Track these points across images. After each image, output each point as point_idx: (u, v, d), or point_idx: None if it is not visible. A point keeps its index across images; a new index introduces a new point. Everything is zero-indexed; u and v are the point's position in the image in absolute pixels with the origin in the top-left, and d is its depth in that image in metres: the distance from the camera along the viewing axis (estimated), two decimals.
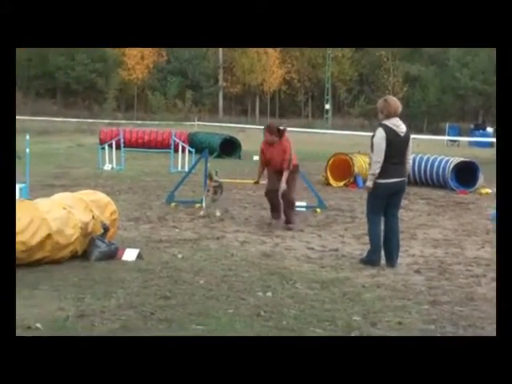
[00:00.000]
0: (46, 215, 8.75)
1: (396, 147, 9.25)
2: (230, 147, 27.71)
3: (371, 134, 9.62)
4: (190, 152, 21.91)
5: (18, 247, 8.34)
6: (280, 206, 12.44)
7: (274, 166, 12.46)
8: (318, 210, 14.14)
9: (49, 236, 8.63)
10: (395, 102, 9.34)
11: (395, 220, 9.62)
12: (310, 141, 38.68)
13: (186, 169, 19.89)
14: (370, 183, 9.35)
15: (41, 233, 8.59)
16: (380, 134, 9.19)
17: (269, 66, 70.54)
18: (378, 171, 9.21)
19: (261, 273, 8.78)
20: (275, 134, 12.32)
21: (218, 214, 12.88)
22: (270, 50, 70.30)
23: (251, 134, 41.86)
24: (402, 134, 9.30)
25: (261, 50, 69.95)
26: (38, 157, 22.37)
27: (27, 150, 14.91)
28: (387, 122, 9.24)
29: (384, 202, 9.41)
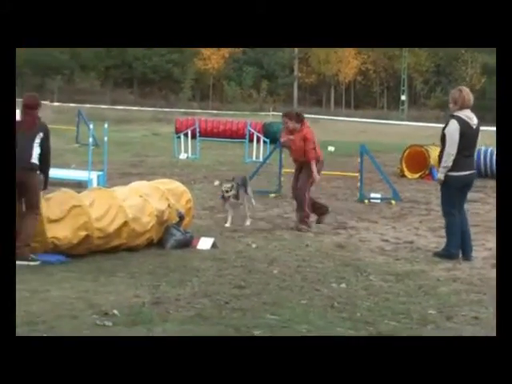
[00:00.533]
0: (122, 203, 8.87)
1: (468, 139, 9.11)
2: None
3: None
4: (264, 142, 21.93)
5: (96, 234, 8.49)
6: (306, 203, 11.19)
7: (295, 155, 11.42)
8: (393, 201, 13.99)
9: (125, 223, 8.75)
10: (469, 94, 9.20)
11: (464, 212, 9.50)
12: (384, 132, 38.34)
13: (261, 159, 19.91)
14: (441, 175, 9.26)
15: (118, 220, 8.72)
16: (454, 125, 9.05)
17: (344, 56, 70.07)
18: (450, 164, 9.09)
19: (335, 264, 8.74)
20: (295, 119, 11.34)
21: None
22: None
23: (326, 125, 41.68)
24: (474, 127, 9.17)
25: None
26: (115, 145, 22.67)
27: (105, 139, 15.13)
28: (460, 114, 9.09)
29: (458, 195, 9.29)
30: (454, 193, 9.29)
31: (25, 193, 8.28)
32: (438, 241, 10.23)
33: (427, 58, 74.18)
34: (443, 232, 9.68)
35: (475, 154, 9.41)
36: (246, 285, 7.59)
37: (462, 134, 9.03)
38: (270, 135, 25.48)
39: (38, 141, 8.39)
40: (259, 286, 7.56)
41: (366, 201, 13.90)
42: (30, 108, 8.55)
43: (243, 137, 24.11)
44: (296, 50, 71.97)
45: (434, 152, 18.74)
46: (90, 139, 15.10)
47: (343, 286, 7.75)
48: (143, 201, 9.16)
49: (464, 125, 9.05)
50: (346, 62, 70.30)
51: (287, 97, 72.37)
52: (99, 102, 56.43)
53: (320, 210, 11.60)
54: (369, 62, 73.42)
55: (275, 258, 8.89)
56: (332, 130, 39.04)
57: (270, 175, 16.45)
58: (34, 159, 8.35)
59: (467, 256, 9.27)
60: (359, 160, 14.22)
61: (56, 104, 47.16)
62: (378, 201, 14.03)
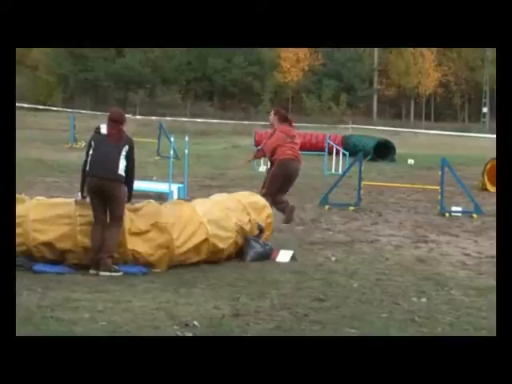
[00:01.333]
0: (203, 219, 8.90)
1: None
2: (384, 150, 27.43)
3: None
4: (344, 155, 21.86)
5: (176, 251, 8.56)
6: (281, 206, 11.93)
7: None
8: (475, 215, 13.75)
9: (206, 240, 8.79)
10: None
11: None
12: (466, 145, 37.77)
13: (340, 171, 19.85)
14: None
15: (198, 237, 8.76)
16: None
17: (424, 68, 69.36)
18: None
19: (415, 278, 8.63)
20: (278, 118, 11.86)
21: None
22: (427, 52, 69.07)
23: (406, 138, 41.29)
24: None
25: (417, 52, 68.87)
26: (195, 158, 22.91)
27: (186, 151, 15.29)
28: None
29: None
30: None
31: (110, 204, 8.44)
32: None
33: None
34: None
35: None
36: (326, 298, 7.55)
37: None
38: (350, 148, 25.39)
39: (124, 153, 8.53)
40: (338, 299, 7.51)
41: (447, 214, 13.70)
42: (117, 122, 8.69)
43: (322, 149, 24.06)
44: (376, 62, 71.57)
45: None
46: (171, 152, 15.28)
47: (424, 300, 7.65)
48: (225, 216, 9.18)
49: None
50: (427, 74, 69.53)
51: (367, 109, 72.00)
52: (180, 114, 57.15)
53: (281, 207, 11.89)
54: (450, 73, 72.45)
55: (355, 271, 8.84)
56: (412, 142, 38.67)
57: (349, 188, 16.38)
58: (121, 171, 8.48)
59: None
60: (440, 173, 14.03)
61: (138, 117, 47.93)
62: (460, 214, 13.81)
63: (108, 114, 8.93)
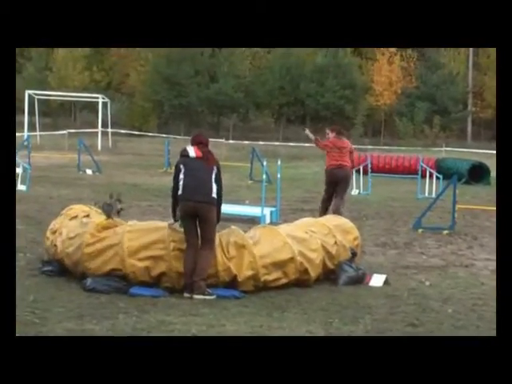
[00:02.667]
0: (287, 239, 8.93)
1: None
2: (478, 173, 26.92)
3: None
4: (437, 178, 21.54)
5: (262, 271, 8.59)
6: None
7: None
8: None
9: (291, 259, 8.80)
10: None
11: None
12: None
13: (434, 195, 19.56)
14: None
15: (283, 256, 8.79)
16: None
17: None
18: None
19: None
20: (335, 133, 14.77)
21: None
22: None
23: None
24: None
25: None
26: (287, 181, 22.93)
27: (278, 175, 15.33)
28: None
29: None
30: None
31: (204, 227, 8.52)
32: None
33: None
34: None
35: None
36: (419, 323, 7.45)
37: None
38: (444, 171, 25.00)
39: (213, 176, 8.61)
40: (433, 325, 7.40)
41: None
42: (204, 144, 8.81)
43: (415, 173, 23.77)
44: (470, 83, 70.50)
45: None
46: (264, 176, 15.36)
47: None
48: (309, 236, 9.19)
49: None
50: None
51: (461, 132, 70.85)
52: (272, 139, 57.41)
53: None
54: None
55: (449, 297, 8.69)
56: None
57: (443, 211, 16.12)
58: (214, 194, 8.57)
59: None
60: None
61: (231, 141, 48.37)
62: None
63: (192, 137, 9.02)
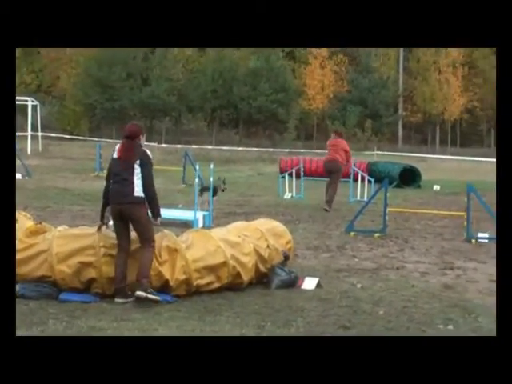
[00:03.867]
0: (220, 243, 8.94)
1: None
2: (409, 177, 27.31)
3: None
4: (369, 181, 21.79)
5: (194, 275, 8.57)
6: None
7: None
8: None
9: (224, 263, 8.81)
10: None
11: None
12: (492, 171, 37.45)
13: (366, 198, 19.78)
14: None
15: (216, 260, 8.78)
16: None
17: (450, 94, 69.18)
18: None
19: (441, 305, 8.57)
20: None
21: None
22: (452, 79, 68.93)
23: (431, 164, 41.14)
24: None
25: (442, 78, 68.77)
26: None
27: (211, 179, 15.31)
28: None
29: None
30: None
31: (135, 227, 8.39)
32: None
33: None
34: None
35: None
36: (351, 325, 7.51)
37: None
38: (375, 174, 25.31)
39: (137, 171, 8.32)
40: (364, 327, 7.47)
41: (474, 240, 13.61)
42: (129, 138, 8.54)
43: (348, 176, 24.00)
44: (400, 87, 71.53)
45: None
46: (196, 179, 15.31)
47: (450, 327, 7.58)
48: (242, 240, 9.21)
49: None
50: (452, 100, 69.33)
51: (392, 136, 71.85)
52: (205, 142, 57.36)
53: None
54: (475, 99, 72.22)
55: (380, 299, 8.78)
56: (438, 168, 38.50)
57: (374, 215, 16.31)
58: (138, 192, 8.31)
59: None
60: (466, 199, 13.95)
61: (164, 145, 48.15)
62: (486, 240, 13.70)
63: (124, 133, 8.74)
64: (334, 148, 18.70)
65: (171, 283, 8.46)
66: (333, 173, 18.53)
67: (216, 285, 8.80)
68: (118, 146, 8.57)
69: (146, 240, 8.36)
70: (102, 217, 8.66)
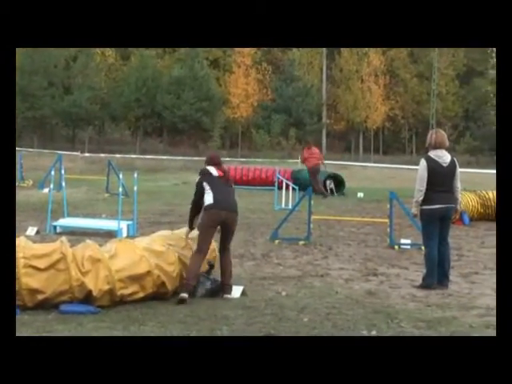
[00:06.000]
0: (144, 252, 8.91)
1: (438, 176, 10.02)
2: (333, 184, 27.61)
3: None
4: (293, 189, 21.94)
5: (118, 285, 8.52)
6: None
7: None
8: (423, 247, 13.88)
9: (149, 273, 8.77)
10: (441, 136, 10.15)
11: (447, 243, 10.43)
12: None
13: (290, 206, 19.91)
14: (413, 209, 10.43)
15: (141, 270, 8.74)
16: (422, 164, 10.18)
17: (372, 102, 70.17)
18: (420, 198, 10.13)
19: (365, 311, 8.68)
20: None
21: None
22: (374, 87, 69.94)
23: (355, 171, 41.67)
24: (445, 165, 10.05)
25: (365, 86, 69.72)
26: (145, 194, 22.80)
27: (135, 188, 15.23)
28: (431, 154, 10.12)
29: (434, 227, 10.23)
30: (428, 225, 10.21)
31: (229, 235, 9.52)
32: (470, 286, 10.15)
33: (455, 102, 74.06)
34: (475, 277, 9.59)
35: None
36: (276, 333, 7.54)
37: (431, 172, 9.97)
38: (299, 182, 25.50)
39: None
40: (289, 334, 7.51)
41: (397, 247, 13.83)
42: (220, 164, 9.75)
43: (272, 184, 24.16)
44: (324, 96, 72.28)
45: (465, 197, 18.64)
46: (120, 189, 15.21)
47: (374, 333, 7.68)
48: (166, 249, 9.19)
49: (433, 163, 9.99)
50: (374, 109, 70.36)
51: (316, 144, 72.48)
52: (129, 151, 56.97)
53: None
54: (397, 107, 73.43)
55: (305, 306, 8.85)
56: (361, 176, 39.03)
57: (299, 222, 16.44)
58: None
59: (443, 284, 10.10)
60: (389, 206, 14.18)
61: (87, 154, 47.64)
62: (409, 247, 13.95)
63: (209, 157, 9.92)
64: (315, 156, 25.74)
65: (94, 293, 8.37)
66: (318, 173, 25.58)
67: (140, 294, 8.75)
68: (211, 168, 9.64)
69: (229, 249, 9.57)
70: (191, 223, 9.57)
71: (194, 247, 9.34)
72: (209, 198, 9.31)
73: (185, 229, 9.82)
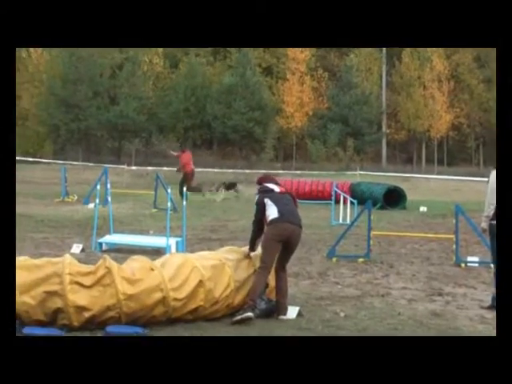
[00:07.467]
0: (196, 263, 8.95)
1: None
2: (394, 198, 27.45)
3: None
4: (352, 203, 21.85)
5: (171, 295, 8.55)
6: None
7: None
8: (492, 265, 13.70)
9: (200, 283, 8.79)
10: None
11: None
12: (481, 190, 37.73)
13: (348, 221, 19.83)
14: (484, 224, 10.40)
15: (192, 280, 8.78)
16: (492, 177, 10.18)
17: (436, 110, 69.57)
18: (491, 213, 10.03)
19: (430, 333, 8.57)
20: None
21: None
22: (437, 94, 69.38)
23: (417, 184, 41.36)
24: None
25: (427, 93, 69.18)
26: (194, 209, 22.91)
27: (184, 203, 15.29)
28: None
29: None
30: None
31: (292, 251, 9.62)
32: None
33: None
34: None
35: None
36: None
37: None
38: (358, 196, 25.40)
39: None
40: None
41: (463, 264, 13.67)
42: (276, 181, 9.95)
43: (329, 198, 24.08)
44: (384, 104, 71.89)
45: None
46: (169, 204, 15.30)
47: None
48: (221, 264, 9.20)
49: None
50: (438, 117, 69.74)
51: (375, 155, 72.13)
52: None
53: None
54: (462, 115, 72.70)
55: (365, 328, 8.79)
56: (424, 188, 38.73)
57: (358, 239, 16.36)
58: None
59: None
60: (454, 221, 14.03)
61: (133, 168, 48.09)
62: (476, 264, 13.77)
63: (264, 176, 10.24)
64: (191, 161, 27.77)
65: (147, 302, 8.44)
66: None
67: (192, 306, 8.72)
68: (270, 185, 9.74)
69: (286, 265, 9.60)
70: (253, 245, 9.60)
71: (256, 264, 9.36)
72: (273, 212, 9.36)
73: (245, 248, 9.80)
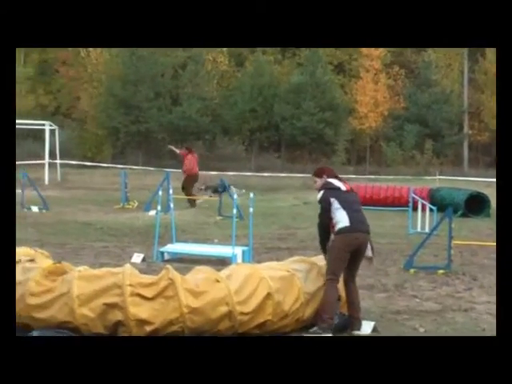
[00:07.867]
0: (264, 274, 8.95)
1: None
2: (476, 204, 27.13)
3: None
4: (430, 210, 21.66)
5: (237, 309, 8.57)
6: None
7: None
8: None
9: (268, 295, 8.79)
10: None
11: None
12: None
13: (427, 230, 19.66)
14: None
15: (260, 292, 8.78)
16: None
17: None
18: None
19: None
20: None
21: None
22: None
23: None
24: None
25: None
26: (261, 216, 22.95)
27: (250, 210, 15.31)
28: None
29: None
30: None
31: (360, 260, 9.46)
32: None
33: None
34: None
35: None
36: None
37: None
38: (438, 202, 25.17)
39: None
40: None
41: None
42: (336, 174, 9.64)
43: (406, 204, 23.90)
44: (466, 103, 71.12)
45: None
46: (234, 211, 15.35)
47: None
48: (290, 275, 9.20)
49: None
50: None
51: (456, 158, 71.40)
52: (243, 168, 57.49)
53: None
54: None
55: None
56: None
57: (437, 248, 16.21)
58: None
59: None
60: None
61: None
62: None
63: (325, 169, 9.80)
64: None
65: (212, 316, 8.48)
66: None
67: (260, 320, 8.72)
68: (334, 181, 9.46)
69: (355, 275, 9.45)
70: (325, 249, 9.46)
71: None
72: (343, 219, 9.18)
73: (320, 257, 9.78)
